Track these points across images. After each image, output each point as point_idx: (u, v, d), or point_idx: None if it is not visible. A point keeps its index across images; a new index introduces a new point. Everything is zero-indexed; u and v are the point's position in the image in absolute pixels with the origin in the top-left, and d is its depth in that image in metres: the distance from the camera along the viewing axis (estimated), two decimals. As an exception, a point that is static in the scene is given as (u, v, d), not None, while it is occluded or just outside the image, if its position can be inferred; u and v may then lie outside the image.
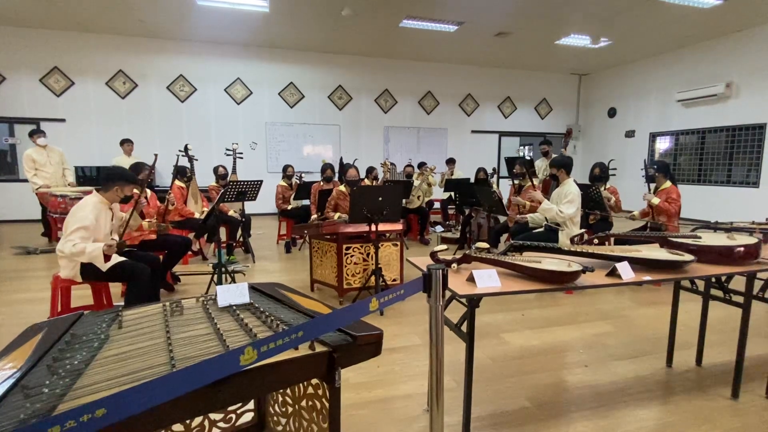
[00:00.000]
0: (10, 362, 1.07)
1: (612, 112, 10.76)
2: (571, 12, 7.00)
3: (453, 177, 7.57)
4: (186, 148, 5.02)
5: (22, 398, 0.88)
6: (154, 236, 3.76)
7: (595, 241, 2.28)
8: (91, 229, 2.72)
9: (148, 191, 3.93)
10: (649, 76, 9.70)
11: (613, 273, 1.77)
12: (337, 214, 4.45)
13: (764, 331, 3.06)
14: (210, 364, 0.85)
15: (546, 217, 3.94)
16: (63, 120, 8.10)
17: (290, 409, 1.54)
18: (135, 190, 3.20)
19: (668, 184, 4.10)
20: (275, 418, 1.64)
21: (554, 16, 7.18)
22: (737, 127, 8.04)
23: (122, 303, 3.34)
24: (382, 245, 3.63)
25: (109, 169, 2.97)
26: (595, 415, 2.04)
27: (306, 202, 6.15)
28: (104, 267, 2.76)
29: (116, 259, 2.85)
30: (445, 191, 7.57)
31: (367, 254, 3.60)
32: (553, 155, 6.06)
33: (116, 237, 3.00)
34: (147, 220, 3.68)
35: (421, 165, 7.50)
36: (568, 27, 7.74)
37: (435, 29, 7.72)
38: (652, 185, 4.22)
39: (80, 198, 3.60)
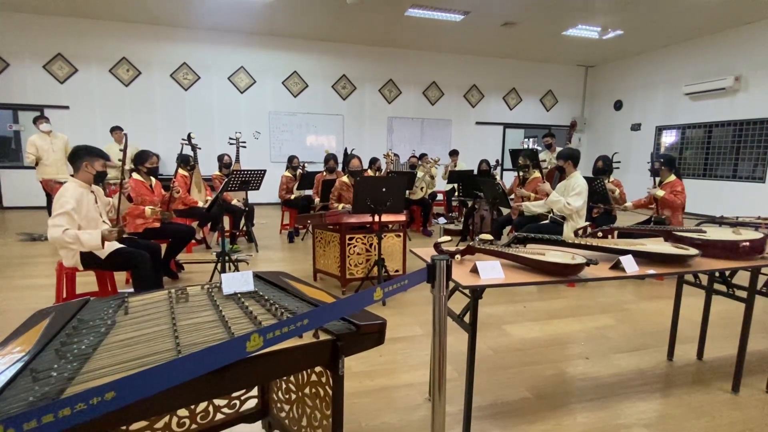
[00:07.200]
0: (18, 346, 1.09)
1: (618, 105, 10.66)
2: (578, 2, 6.90)
3: (456, 168, 7.55)
4: (189, 137, 5.02)
5: (31, 381, 0.90)
6: (158, 224, 3.77)
7: (599, 234, 2.27)
8: (74, 213, 2.65)
9: (153, 179, 3.93)
10: (656, 68, 9.58)
11: (616, 266, 1.77)
12: (341, 205, 4.46)
13: (766, 326, 3.06)
14: (217, 350, 0.86)
15: (553, 209, 3.93)
16: (67, 107, 8.10)
17: (293, 396, 1.56)
18: (114, 171, 3.08)
19: (672, 177, 4.08)
20: (278, 405, 1.66)
21: (562, 6, 7.09)
22: (745, 121, 7.96)
23: (126, 290, 3.37)
24: (385, 236, 3.64)
25: (73, 149, 2.83)
26: (595, 406, 2.05)
27: (309, 192, 6.16)
28: (103, 255, 2.77)
29: (115, 246, 2.84)
30: (448, 183, 7.55)
31: (370, 245, 3.61)
32: (557, 148, 6.03)
33: (107, 221, 2.97)
34: (150, 206, 3.67)
35: (422, 156, 7.48)
36: (575, 17, 7.64)
37: (441, 18, 7.64)
38: (657, 179, 4.19)
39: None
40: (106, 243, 2.80)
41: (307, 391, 1.47)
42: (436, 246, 1.89)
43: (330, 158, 5.86)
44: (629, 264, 1.76)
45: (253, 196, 5.57)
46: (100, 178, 2.91)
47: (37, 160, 5.92)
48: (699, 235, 2.11)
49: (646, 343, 2.78)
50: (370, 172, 5.56)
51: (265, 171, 4.96)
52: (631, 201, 4.38)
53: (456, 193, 6.89)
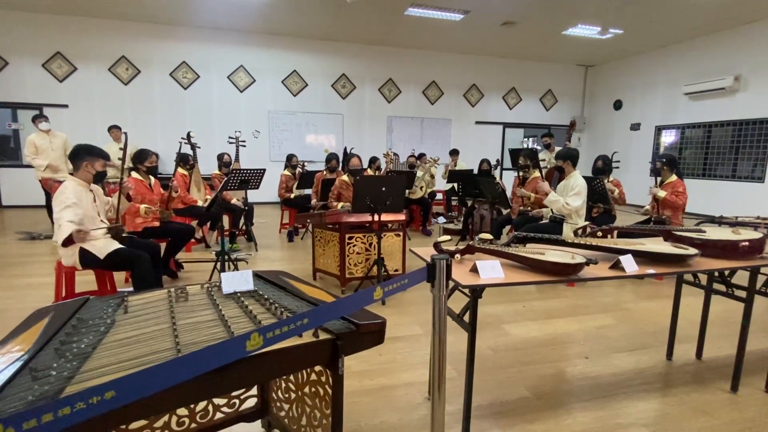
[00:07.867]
0: (17, 345, 1.09)
1: (618, 105, 10.66)
2: (578, 2, 6.90)
3: (456, 168, 7.55)
4: (189, 136, 5.01)
5: (30, 380, 0.90)
6: (157, 224, 3.76)
7: (599, 233, 2.27)
8: (75, 207, 2.65)
9: (152, 178, 3.92)
10: (656, 68, 9.58)
11: (616, 266, 1.77)
12: (341, 204, 4.45)
13: (765, 325, 3.06)
14: (217, 349, 0.86)
15: (552, 209, 3.93)
16: (66, 106, 8.08)
17: (293, 395, 1.56)
18: (113, 170, 3.07)
19: (674, 177, 4.08)
20: (278, 404, 1.66)
21: (562, 6, 7.09)
22: (744, 121, 7.96)
23: (126, 289, 3.37)
24: (384, 235, 3.64)
25: (74, 148, 2.83)
26: (595, 406, 2.05)
27: (308, 191, 6.15)
28: (102, 254, 2.76)
29: (114, 246, 2.83)
30: (448, 182, 7.55)
31: (370, 244, 3.61)
32: (556, 148, 6.03)
33: (105, 220, 2.96)
34: (145, 205, 3.65)
35: (421, 156, 7.47)
36: (575, 17, 7.64)
37: (440, 17, 7.63)
38: (658, 179, 4.19)
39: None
40: (105, 242, 2.80)
41: (306, 390, 1.47)
42: (436, 245, 1.89)
43: (332, 158, 5.86)
44: (629, 264, 1.76)
45: (253, 195, 5.57)
46: (99, 178, 2.91)
47: (47, 165, 5.90)
48: (698, 234, 2.11)
49: (646, 342, 2.78)
50: (369, 172, 5.56)
51: (264, 170, 4.96)
52: (648, 205, 4.32)
53: (457, 192, 6.89)
